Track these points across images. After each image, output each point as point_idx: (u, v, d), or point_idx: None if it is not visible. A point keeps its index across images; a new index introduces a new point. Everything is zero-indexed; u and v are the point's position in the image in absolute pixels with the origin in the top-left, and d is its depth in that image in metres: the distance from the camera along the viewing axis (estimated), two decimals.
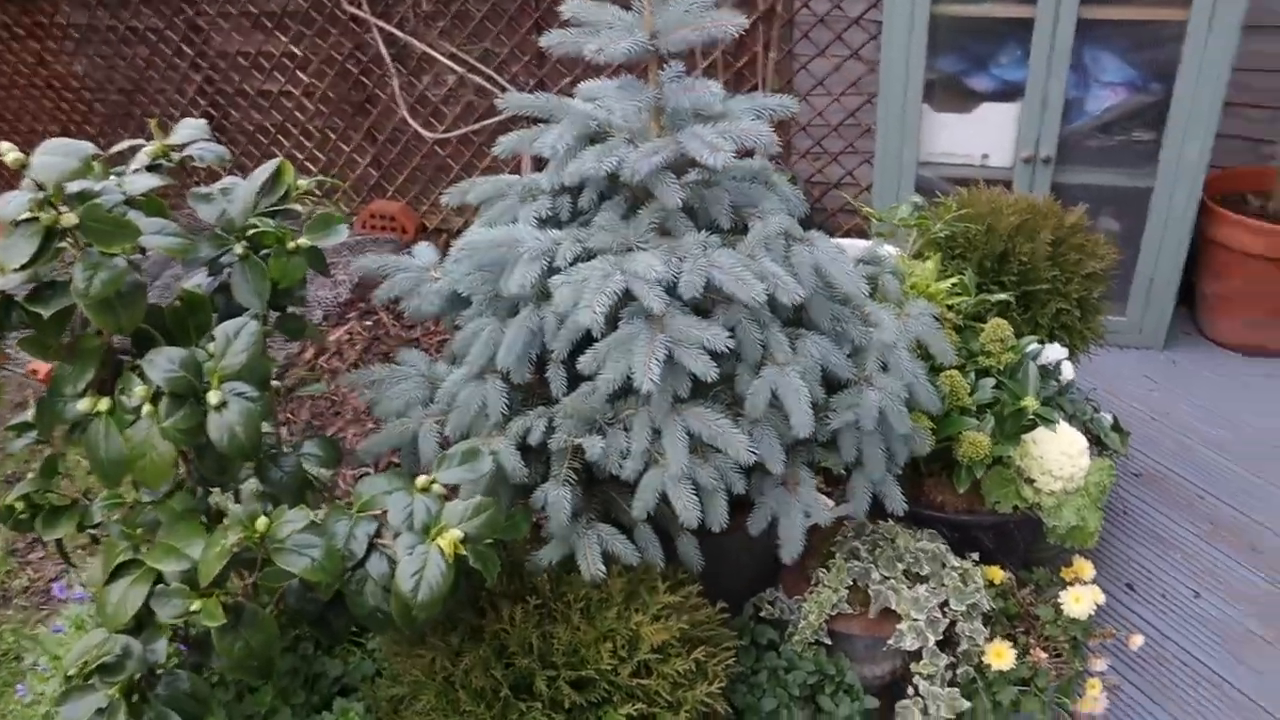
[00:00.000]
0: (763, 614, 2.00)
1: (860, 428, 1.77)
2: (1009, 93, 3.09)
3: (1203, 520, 2.64)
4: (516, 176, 1.92)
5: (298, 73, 4.15)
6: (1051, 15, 2.88)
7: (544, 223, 1.83)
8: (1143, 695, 2.17)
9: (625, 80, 1.80)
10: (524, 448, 1.70)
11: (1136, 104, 3.03)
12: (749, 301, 1.59)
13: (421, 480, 1.45)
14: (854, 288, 1.78)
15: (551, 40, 1.72)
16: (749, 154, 1.83)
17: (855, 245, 2.26)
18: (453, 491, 1.58)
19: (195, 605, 1.29)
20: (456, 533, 1.34)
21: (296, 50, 4.09)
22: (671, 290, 1.60)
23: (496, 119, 3.87)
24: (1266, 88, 3.25)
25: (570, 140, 1.72)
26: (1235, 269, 3.17)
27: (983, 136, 3.18)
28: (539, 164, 1.89)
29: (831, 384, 1.78)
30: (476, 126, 3.95)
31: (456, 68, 3.85)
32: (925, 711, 1.86)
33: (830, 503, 1.93)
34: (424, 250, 1.95)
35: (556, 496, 1.64)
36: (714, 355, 1.59)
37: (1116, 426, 2.38)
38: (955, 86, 3.17)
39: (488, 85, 3.85)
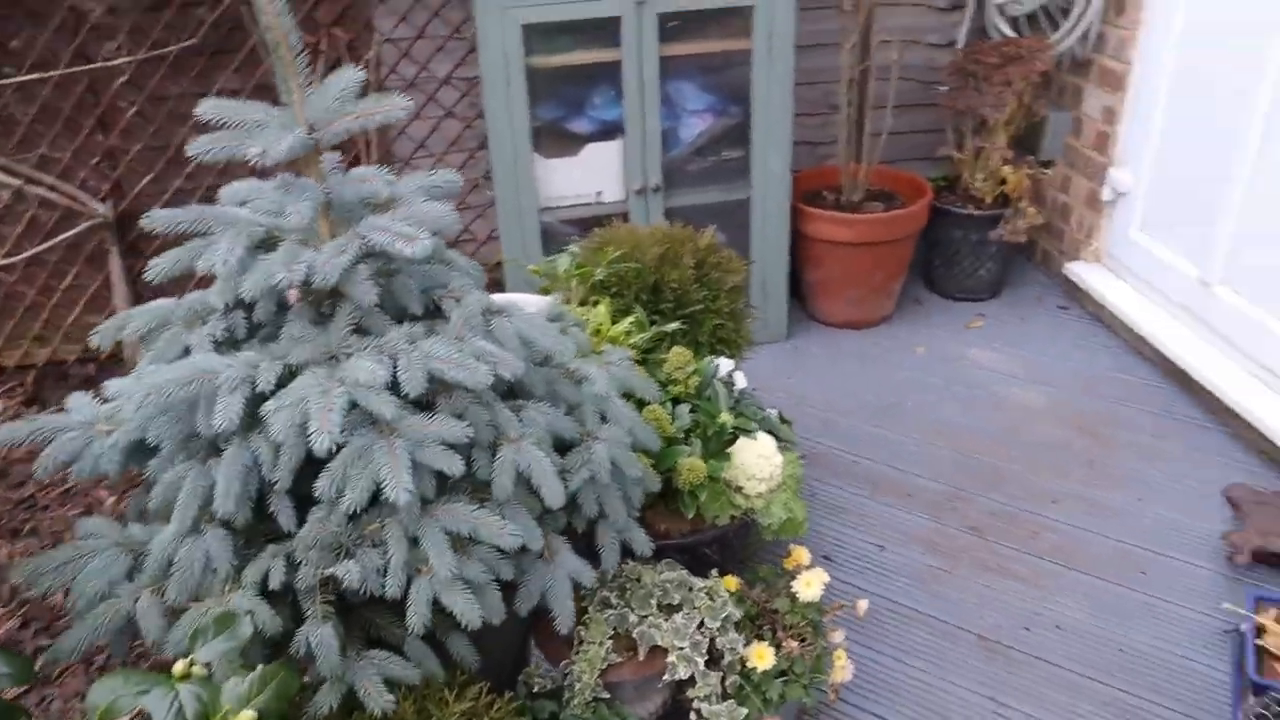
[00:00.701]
0: (535, 689, 1.97)
1: (597, 481, 1.80)
2: (610, 131, 3.27)
3: (863, 482, 2.95)
4: (175, 301, 1.74)
5: None
6: (635, 56, 3.08)
7: (220, 345, 1.68)
8: (871, 650, 2.39)
9: (285, 178, 1.70)
10: (265, 593, 1.55)
11: (722, 127, 3.33)
12: (475, 386, 1.57)
13: (179, 667, 1.27)
14: (559, 347, 1.81)
15: (201, 147, 1.58)
16: None
17: (530, 301, 2.29)
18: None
19: None
20: (250, 713, 1.19)
21: None
22: (392, 390, 1.53)
23: (72, 232, 3.47)
24: (813, 98, 3.70)
25: (242, 251, 1.59)
26: (828, 257, 3.57)
27: (594, 175, 3.33)
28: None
29: (560, 446, 1.80)
30: (47, 245, 3.50)
31: (10, 180, 3.40)
32: None
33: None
34: (81, 403, 1.71)
35: (321, 636, 1.51)
36: (451, 446, 1.55)
37: (783, 418, 2.59)
38: (560, 132, 3.30)
39: (54, 196, 3.43)
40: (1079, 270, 3.70)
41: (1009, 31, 3.58)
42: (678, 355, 2.26)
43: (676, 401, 2.25)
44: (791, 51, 3.13)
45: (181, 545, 1.54)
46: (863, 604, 2.23)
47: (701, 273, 2.63)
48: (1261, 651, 2.21)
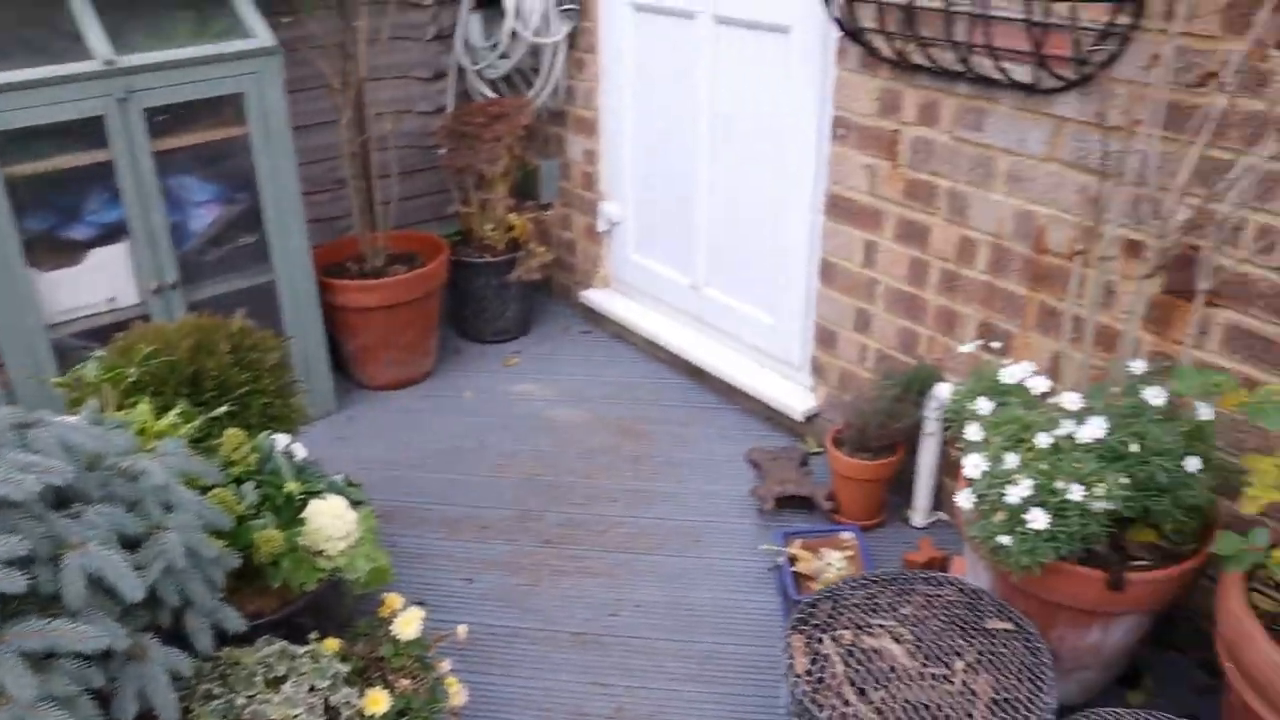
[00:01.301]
0: None
1: (174, 569, 1.78)
2: (113, 234, 3.14)
3: (440, 526, 3.10)
4: None
5: None
6: (127, 154, 3.01)
7: None
8: (481, 674, 2.54)
9: None
10: None
11: (233, 214, 3.34)
12: (24, 498, 1.51)
13: None
14: (106, 446, 1.78)
15: None
16: None
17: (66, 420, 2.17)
18: None
19: None
20: None
21: None
22: None
23: None
24: (319, 175, 3.81)
25: None
26: (361, 324, 3.69)
27: (102, 282, 3.18)
28: None
29: (130, 543, 1.76)
30: None
31: None
32: None
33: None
34: None
35: None
36: (8, 564, 1.48)
37: (350, 482, 2.67)
38: (56, 241, 3.11)
39: None
40: (593, 296, 4.14)
41: (490, 93, 3.94)
42: (232, 437, 2.27)
43: (240, 481, 2.26)
44: (289, 133, 3.22)
45: None
46: (462, 629, 2.38)
47: (239, 356, 2.63)
48: (797, 576, 2.66)
